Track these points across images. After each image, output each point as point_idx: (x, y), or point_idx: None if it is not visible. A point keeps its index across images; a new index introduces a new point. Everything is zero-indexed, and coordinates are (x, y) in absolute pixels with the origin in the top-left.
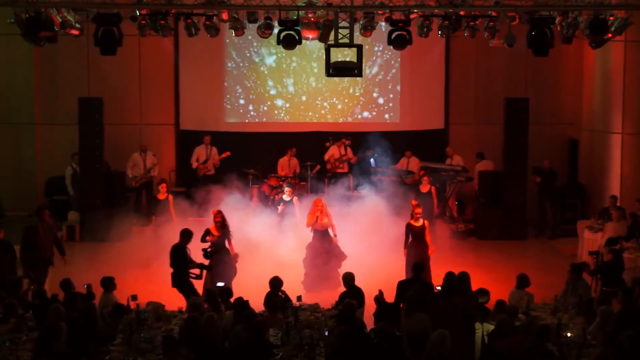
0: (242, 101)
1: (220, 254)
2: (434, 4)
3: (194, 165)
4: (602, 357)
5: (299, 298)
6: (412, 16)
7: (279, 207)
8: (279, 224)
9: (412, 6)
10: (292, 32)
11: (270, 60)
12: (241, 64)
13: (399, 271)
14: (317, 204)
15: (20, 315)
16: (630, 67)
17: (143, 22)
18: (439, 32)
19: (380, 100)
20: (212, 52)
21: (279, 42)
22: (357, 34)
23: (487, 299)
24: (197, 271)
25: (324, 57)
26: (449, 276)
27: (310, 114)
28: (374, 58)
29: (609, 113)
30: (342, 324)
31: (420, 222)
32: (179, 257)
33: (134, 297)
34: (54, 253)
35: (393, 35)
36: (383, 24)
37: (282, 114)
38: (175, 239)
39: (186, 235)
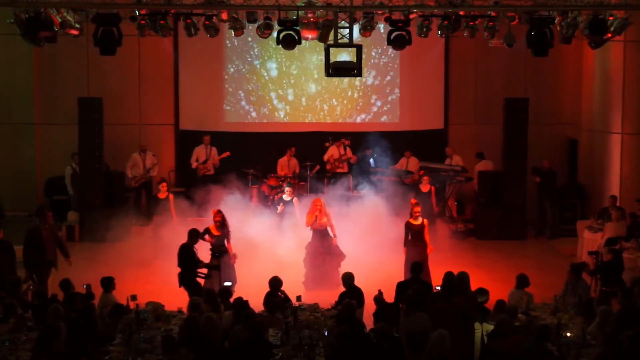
0: (241, 101)
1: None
2: (434, 4)
3: (194, 165)
4: (601, 357)
5: (298, 298)
6: (411, 16)
7: (279, 207)
8: (278, 224)
9: (412, 6)
10: (291, 32)
11: (269, 60)
12: (241, 64)
13: (398, 271)
14: (316, 204)
15: (19, 315)
16: (629, 67)
17: (142, 22)
18: (439, 32)
19: (380, 101)
20: (212, 52)
21: (278, 42)
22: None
23: (486, 299)
24: (205, 271)
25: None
26: (448, 276)
27: (310, 114)
28: (374, 58)
29: (609, 113)
30: (341, 324)
31: (419, 221)
32: (187, 257)
33: (134, 297)
34: (57, 255)
35: (392, 36)
36: (382, 24)
37: (282, 114)
38: (175, 238)
39: (194, 235)
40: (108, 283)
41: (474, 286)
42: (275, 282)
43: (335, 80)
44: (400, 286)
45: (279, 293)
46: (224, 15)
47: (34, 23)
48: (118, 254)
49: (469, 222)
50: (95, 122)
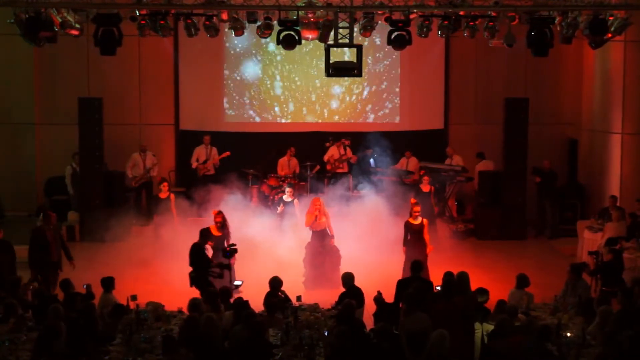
0: (241, 101)
1: (219, 255)
2: (434, 4)
3: (194, 165)
4: (601, 357)
5: (298, 298)
6: (411, 16)
7: (279, 208)
8: (278, 224)
9: (412, 6)
10: (291, 32)
11: (270, 60)
12: (241, 65)
13: (398, 271)
14: (315, 203)
15: (19, 315)
16: (630, 67)
17: (143, 22)
18: (439, 32)
19: (380, 101)
20: (212, 52)
21: (278, 42)
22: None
23: (486, 299)
24: (218, 270)
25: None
26: (448, 276)
27: (310, 114)
28: (373, 58)
29: (609, 113)
30: (341, 324)
31: (418, 220)
32: (199, 256)
33: (134, 297)
34: (62, 256)
35: (393, 36)
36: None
37: (282, 114)
38: (176, 238)
39: (205, 234)
40: (108, 283)
41: (474, 286)
42: (275, 282)
43: (336, 80)
44: (401, 284)
45: (279, 293)
46: (224, 16)
47: (34, 23)
48: (118, 254)
49: (469, 222)
50: (95, 122)
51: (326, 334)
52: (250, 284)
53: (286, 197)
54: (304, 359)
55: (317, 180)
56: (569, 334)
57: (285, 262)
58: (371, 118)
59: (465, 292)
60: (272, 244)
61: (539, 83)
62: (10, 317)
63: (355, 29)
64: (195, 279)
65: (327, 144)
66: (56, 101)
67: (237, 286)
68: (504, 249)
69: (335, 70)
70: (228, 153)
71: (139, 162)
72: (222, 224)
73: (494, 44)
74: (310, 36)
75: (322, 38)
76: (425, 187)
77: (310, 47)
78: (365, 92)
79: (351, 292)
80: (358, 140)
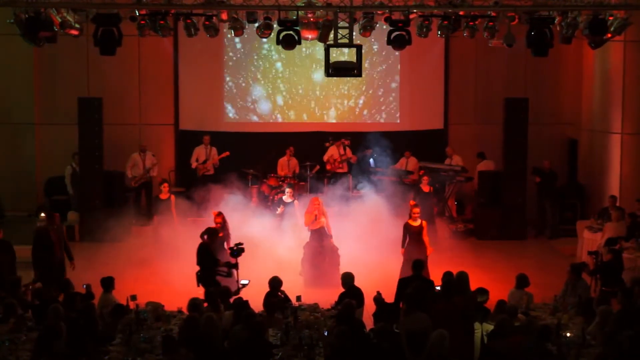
0: (241, 101)
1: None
2: (434, 4)
3: (194, 165)
4: (601, 357)
5: (298, 298)
6: (411, 16)
7: (279, 209)
8: (278, 224)
9: (412, 6)
10: (291, 32)
11: (269, 61)
12: (241, 65)
13: (398, 271)
14: (314, 203)
15: (19, 315)
16: (629, 67)
17: (142, 22)
18: (439, 32)
19: (380, 101)
20: (212, 52)
21: (278, 42)
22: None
23: (486, 298)
24: (226, 269)
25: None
26: (448, 276)
27: (310, 114)
28: (374, 58)
29: (609, 113)
30: (341, 324)
31: (418, 222)
32: (207, 255)
33: (134, 297)
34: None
35: (392, 36)
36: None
37: (282, 114)
38: (175, 238)
39: (213, 233)
40: (108, 283)
41: (473, 286)
42: (275, 282)
43: (336, 80)
44: (402, 283)
45: (279, 293)
46: (224, 16)
47: (34, 23)
48: (118, 254)
49: (469, 222)
50: (95, 122)
51: (326, 334)
52: (250, 284)
53: (286, 198)
54: (304, 359)
55: (317, 180)
56: (569, 334)
57: (285, 262)
58: (371, 118)
59: (465, 292)
60: (272, 244)
61: (539, 83)
62: (10, 317)
63: (355, 29)
64: (203, 278)
65: (327, 144)
66: (56, 101)
67: (244, 285)
68: (504, 249)
69: (335, 70)
70: (227, 153)
71: (138, 162)
72: (222, 225)
73: (494, 44)
74: (310, 36)
75: (322, 38)
76: (426, 187)
77: (310, 47)
78: (365, 92)
79: (351, 292)
80: (358, 140)
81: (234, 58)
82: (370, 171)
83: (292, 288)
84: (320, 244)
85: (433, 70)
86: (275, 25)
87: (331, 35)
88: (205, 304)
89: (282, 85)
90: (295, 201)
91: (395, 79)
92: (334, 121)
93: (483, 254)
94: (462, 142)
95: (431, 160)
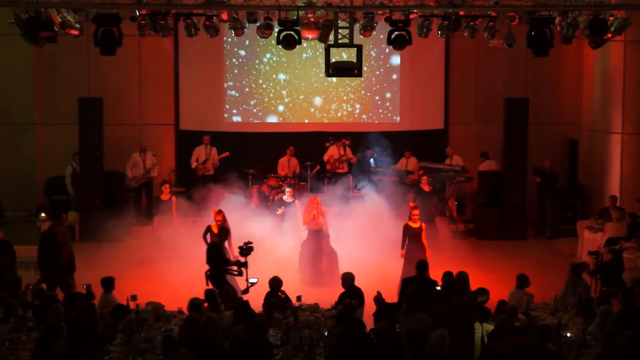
0: (241, 101)
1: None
2: (434, 4)
3: (193, 165)
4: (601, 357)
5: (298, 298)
6: (411, 16)
7: (279, 210)
8: (279, 224)
9: (412, 6)
10: (291, 32)
11: (270, 60)
12: (241, 64)
13: (398, 271)
14: (312, 202)
15: (20, 315)
16: (630, 67)
17: (143, 22)
18: (439, 32)
19: (380, 101)
20: (212, 52)
21: (278, 42)
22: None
23: (486, 299)
24: (235, 268)
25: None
26: (448, 276)
27: (310, 114)
28: (373, 58)
29: (609, 113)
30: (341, 324)
31: (417, 224)
32: (217, 254)
33: (134, 297)
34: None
35: (393, 36)
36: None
37: (282, 114)
38: (176, 239)
39: (224, 233)
40: (108, 283)
41: (474, 286)
42: (275, 282)
43: (336, 80)
44: (405, 283)
45: (279, 293)
46: (224, 16)
47: (34, 23)
48: (118, 254)
49: (469, 222)
50: (95, 122)
51: (326, 334)
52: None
53: (286, 198)
54: (304, 359)
55: (317, 180)
56: (569, 334)
57: (286, 262)
58: (371, 118)
59: (465, 292)
60: (273, 244)
61: (539, 83)
62: (11, 317)
63: (355, 29)
64: (213, 278)
65: (327, 144)
66: (56, 101)
67: (253, 283)
68: (504, 249)
69: (335, 70)
70: (227, 153)
71: (138, 162)
72: (222, 223)
73: (494, 44)
74: (310, 36)
75: (322, 38)
76: (426, 187)
77: (310, 46)
78: (365, 92)
79: (351, 292)
80: (358, 140)
81: (234, 58)
82: (371, 171)
83: (292, 288)
84: (318, 244)
85: (433, 70)
86: (275, 25)
87: (331, 36)
88: (206, 304)
89: (283, 85)
90: (296, 201)
91: (395, 79)
92: (334, 121)
93: (483, 254)
94: (463, 142)
95: (431, 160)
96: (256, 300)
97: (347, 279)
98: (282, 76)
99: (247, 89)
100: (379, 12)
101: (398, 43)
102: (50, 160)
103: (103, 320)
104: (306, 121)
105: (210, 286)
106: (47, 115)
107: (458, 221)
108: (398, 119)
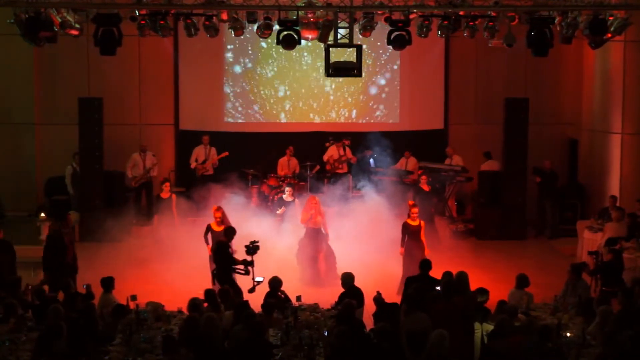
0: (241, 101)
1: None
2: (434, 4)
3: (193, 165)
4: (601, 357)
5: (298, 298)
6: (411, 16)
7: (279, 210)
8: (279, 224)
9: (412, 6)
10: (291, 32)
11: (269, 60)
12: (241, 64)
13: (398, 271)
14: (311, 201)
15: (20, 315)
16: (630, 67)
17: (142, 22)
18: (439, 32)
19: (380, 101)
20: (212, 52)
21: (278, 42)
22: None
23: (486, 299)
24: (242, 267)
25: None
26: (447, 276)
27: (310, 114)
28: (373, 59)
29: (609, 113)
30: (341, 324)
31: (416, 222)
32: (224, 254)
33: (134, 297)
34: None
35: (392, 36)
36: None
37: (282, 114)
38: (176, 238)
39: (231, 232)
40: (108, 283)
41: (473, 286)
42: (275, 283)
43: (336, 80)
44: (409, 282)
45: (279, 293)
46: (224, 16)
47: (34, 23)
48: (118, 254)
49: (469, 222)
50: (95, 122)
51: (326, 334)
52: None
53: (286, 197)
54: (304, 359)
55: (317, 180)
56: (569, 334)
57: (286, 262)
58: (371, 118)
59: (465, 292)
60: (272, 244)
61: (539, 83)
62: (10, 317)
63: (355, 29)
64: (219, 277)
65: (327, 144)
66: (56, 101)
67: (259, 282)
68: (504, 249)
69: (335, 70)
70: (226, 153)
71: (138, 162)
72: (222, 220)
73: (494, 44)
74: (310, 36)
75: (322, 38)
76: (425, 186)
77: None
78: (365, 93)
79: (351, 292)
80: (358, 140)
81: (234, 58)
82: (371, 171)
83: (292, 288)
84: (315, 243)
85: (433, 70)
86: (275, 25)
87: (331, 36)
88: (206, 304)
89: (283, 85)
90: (296, 200)
91: (395, 79)
92: (334, 121)
93: (483, 254)
94: (463, 142)
95: (431, 160)
96: (256, 300)
97: (347, 279)
98: (282, 76)
99: (247, 89)
100: (379, 12)
101: (398, 43)
102: (50, 160)
103: (103, 320)
104: (307, 120)
105: (217, 285)
106: (47, 115)
107: (458, 221)
108: (398, 119)
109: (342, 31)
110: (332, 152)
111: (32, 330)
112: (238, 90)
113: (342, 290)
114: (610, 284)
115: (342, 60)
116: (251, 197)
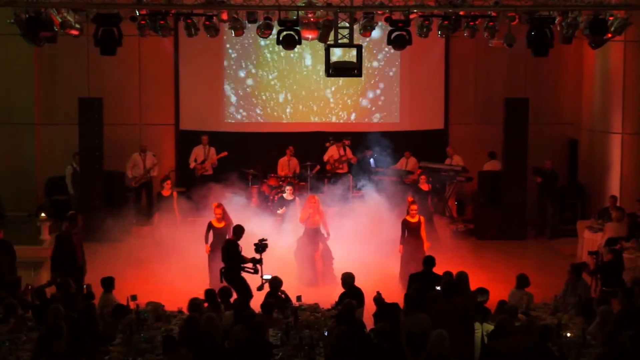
0: (241, 101)
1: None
2: (434, 4)
3: (192, 165)
4: (601, 357)
5: (298, 298)
6: (411, 16)
7: (280, 210)
8: (279, 224)
9: (412, 6)
10: (291, 32)
11: (269, 60)
12: (241, 64)
13: (398, 271)
14: (310, 201)
15: (20, 315)
16: (630, 67)
17: (143, 22)
18: (439, 32)
19: (380, 101)
20: (212, 52)
21: (278, 42)
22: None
23: (486, 299)
24: (251, 266)
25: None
26: (447, 276)
27: (310, 114)
28: (373, 58)
29: (609, 113)
30: (341, 324)
31: (416, 218)
32: (233, 252)
33: (134, 297)
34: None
35: (393, 36)
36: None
37: (282, 114)
38: (177, 237)
39: (239, 230)
40: (108, 283)
41: (473, 286)
42: (275, 283)
43: (336, 80)
44: (413, 279)
45: (280, 293)
46: (224, 16)
47: (34, 23)
48: (118, 254)
49: (469, 222)
50: (95, 122)
51: (326, 334)
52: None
53: (287, 195)
54: (304, 359)
55: (317, 180)
56: (569, 334)
57: (286, 262)
58: (371, 118)
59: (465, 292)
60: (273, 244)
61: (539, 83)
62: (10, 317)
63: (355, 29)
64: (227, 275)
65: (327, 144)
66: (56, 101)
67: (267, 280)
68: (504, 249)
69: (336, 70)
70: (226, 153)
71: (139, 162)
72: (222, 216)
73: (494, 44)
74: (310, 36)
75: (322, 38)
76: (424, 186)
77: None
78: (365, 93)
79: (351, 292)
80: (358, 140)
81: (234, 58)
82: (371, 171)
83: (292, 288)
84: (313, 242)
85: (433, 70)
86: (275, 25)
87: (331, 36)
88: (206, 304)
89: (283, 85)
90: (296, 199)
91: (395, 79)
92: (334, 121)
93: (483, 254)
94: (463, 142)
95: (431, 160)
96: (256, 300)
97: (347, 279)
98: (282, 76)
99: (247, 89)
100: (379, 12)
101: (398, 43)
102: (50, 160)
103: (103, 320)
104: (307, 120)
105: (225, 284)
106: (47, 115)
107: (458, 221)
108: (398, 119)
109: (342, 31)
110: (333, 152)
111: (32, 330)
112: (238, 90)
113: (340, 289)
114: (611, 284)
115: (342, 60)
116: (251, 197)
